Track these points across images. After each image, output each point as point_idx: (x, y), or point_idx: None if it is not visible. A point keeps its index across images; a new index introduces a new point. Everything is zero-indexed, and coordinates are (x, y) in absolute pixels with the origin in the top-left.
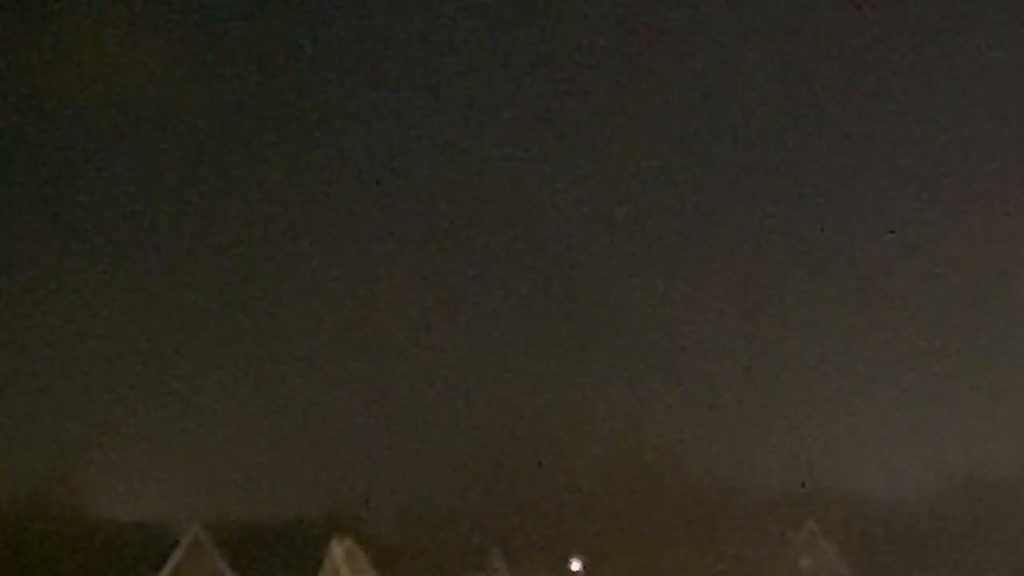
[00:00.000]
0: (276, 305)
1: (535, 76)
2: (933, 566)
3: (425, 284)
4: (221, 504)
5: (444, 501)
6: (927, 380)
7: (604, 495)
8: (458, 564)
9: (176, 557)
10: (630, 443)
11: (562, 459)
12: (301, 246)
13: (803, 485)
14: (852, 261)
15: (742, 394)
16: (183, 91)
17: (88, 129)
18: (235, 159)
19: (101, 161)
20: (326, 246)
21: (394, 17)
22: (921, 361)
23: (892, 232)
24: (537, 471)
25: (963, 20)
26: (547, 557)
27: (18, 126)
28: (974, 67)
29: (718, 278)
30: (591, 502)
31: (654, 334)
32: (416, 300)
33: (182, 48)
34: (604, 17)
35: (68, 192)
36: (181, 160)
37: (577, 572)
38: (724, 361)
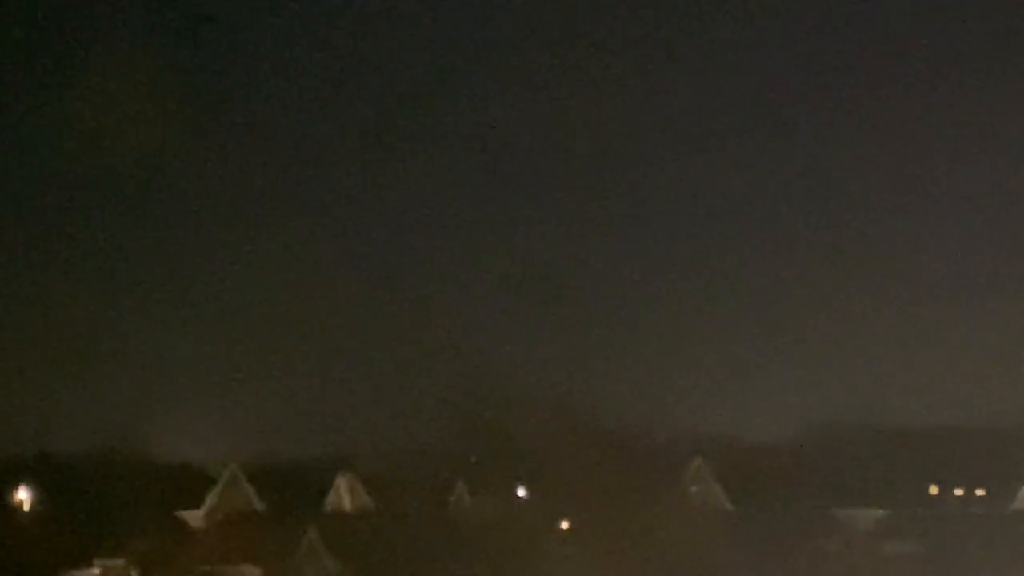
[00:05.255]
0: (287, 303)
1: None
2: (794, 494)
3: (408, 275)
4: (252, 448)
5: (421, 445)
6: (792, 345)
7: (541, 440)
8: (431, 491)
9: (217, 489)
10: (560, 400)
11: (510, 413)
12: (302, 248)
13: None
14: (737, 243)
15: (645, 359)
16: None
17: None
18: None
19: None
20: (325, 249)
21: None
22: (787, 329)
23: (770, 216)
24: (491, 422)
25: None
26: (499, 486)
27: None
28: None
29: (618, 264)
30: (532, 445)
31: (578, 316)
32: (399, 291)
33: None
34: None
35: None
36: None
37: (522, 497)
38: (634, 333)
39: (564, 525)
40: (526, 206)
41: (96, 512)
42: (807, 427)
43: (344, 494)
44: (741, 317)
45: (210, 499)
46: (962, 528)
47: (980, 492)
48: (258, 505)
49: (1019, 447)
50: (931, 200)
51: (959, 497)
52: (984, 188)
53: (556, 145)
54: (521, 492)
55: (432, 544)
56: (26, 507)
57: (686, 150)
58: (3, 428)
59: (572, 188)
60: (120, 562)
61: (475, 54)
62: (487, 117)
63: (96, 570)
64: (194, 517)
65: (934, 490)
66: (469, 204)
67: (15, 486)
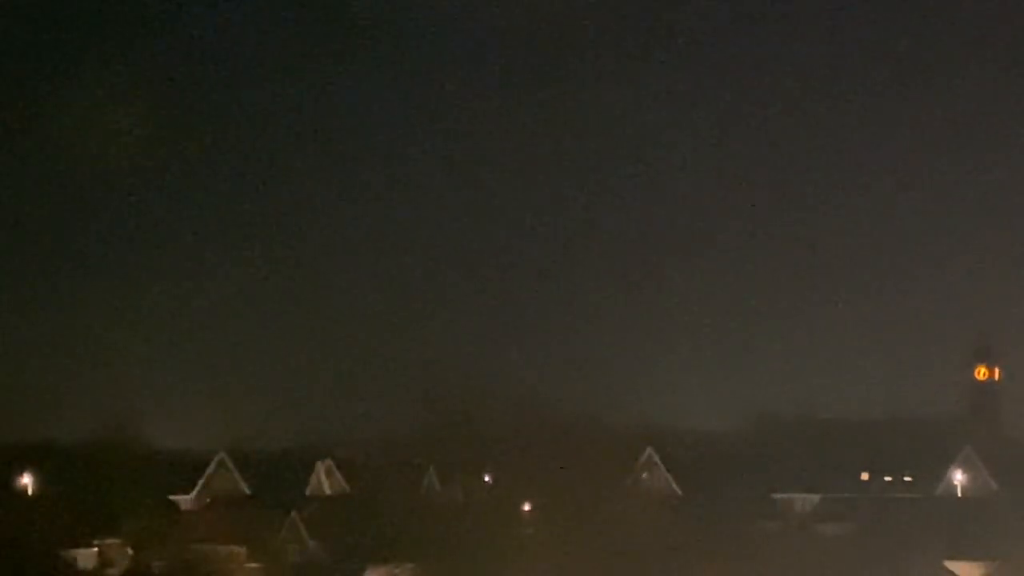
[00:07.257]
0: (273, 305)
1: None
2: (737, 480)
3: (384, 280)
4: (240, 437)
5: (395, 435)
6: (736, 344)
7: (506, 430)
8: (405, 477)
9: (207, 474)
10: (523, 394)
11: (477, 406)
12: (291, 251)
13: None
14: (685, 251)
15: (601, 357)
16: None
17: None
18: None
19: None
20: (309, 255)
21: None
22: (732, 330)
23: (715, 223)
24: (460, 414)
25: None
26: (467, 472)
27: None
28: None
29: (577, 271)
30: (497, 435)
31: (538, 318)
32: (375, 294)
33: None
34: None
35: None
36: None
37: (487, 483)
38: (591, 333)
39: (526, 508)
40: (491, 210)
41: (94, 495)
42: (749, 419)
43: (324, 479)
44: (689, 318)
45: (200, 484)
46: (891, 511)
47: (907, 478)
48: (245, 489)
49: (943, 437)
50: (863, 204)
51: (888, 483)
52: (913, 191)
53: (525, 150)
54: (487, 478)
55: (405, 525)
56: (30, 491)
57: (636, 152)
58: (8, 418)
59: (529, 192)
60: (116, 541)
61: (467, 54)
62: (452, 117)
63: (94, 549)
64: (185, 500)
65: (865, 476)
66: (439, 210)
67: (20, 472)
